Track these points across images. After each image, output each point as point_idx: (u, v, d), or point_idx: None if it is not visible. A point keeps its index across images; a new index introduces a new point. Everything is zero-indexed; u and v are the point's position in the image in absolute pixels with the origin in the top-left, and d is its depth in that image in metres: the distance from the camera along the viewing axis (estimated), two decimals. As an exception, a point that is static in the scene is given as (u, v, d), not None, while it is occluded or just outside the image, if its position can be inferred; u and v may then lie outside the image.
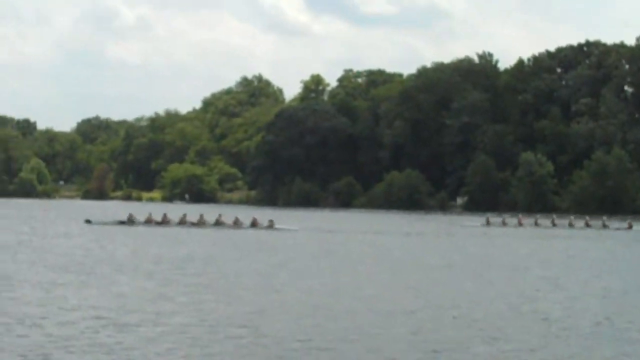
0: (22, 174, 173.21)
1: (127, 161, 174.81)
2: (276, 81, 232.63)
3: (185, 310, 19.35)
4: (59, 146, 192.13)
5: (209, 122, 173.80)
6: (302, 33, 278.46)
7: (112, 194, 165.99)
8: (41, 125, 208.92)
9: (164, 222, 60.68)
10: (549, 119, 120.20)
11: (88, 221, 60.40)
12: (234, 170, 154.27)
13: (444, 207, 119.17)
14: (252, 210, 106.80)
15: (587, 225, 70.83)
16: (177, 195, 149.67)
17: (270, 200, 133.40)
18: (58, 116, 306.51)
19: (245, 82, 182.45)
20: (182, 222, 61.09)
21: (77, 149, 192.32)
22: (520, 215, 77.25)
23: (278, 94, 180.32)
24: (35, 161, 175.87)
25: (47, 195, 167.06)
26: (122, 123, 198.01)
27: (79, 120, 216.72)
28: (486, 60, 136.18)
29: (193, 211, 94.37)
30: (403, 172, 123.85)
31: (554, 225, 71.44)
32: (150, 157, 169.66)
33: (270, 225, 60.12)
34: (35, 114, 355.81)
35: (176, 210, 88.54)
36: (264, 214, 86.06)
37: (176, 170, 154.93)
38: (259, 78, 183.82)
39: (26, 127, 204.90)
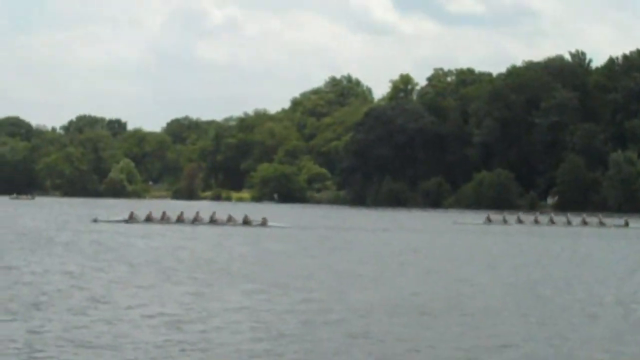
0: (112, 174, 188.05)
1: (216, 161, 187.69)
2: (365, 81, 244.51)
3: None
4: (148, 146, 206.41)
5: (297, 121, 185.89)
6: (391, 32, 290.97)
7: (202, 194, 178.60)
8: (131, 126, 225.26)
9: (163, 219, 68.40)
10: (639, 118, 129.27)
11: (95, 220, 68.14)
12: (323, 170, 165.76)
13: (533, 206, 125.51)
14: (342, 210, 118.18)
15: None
16: (266, 195, 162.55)
17: (359, 200, 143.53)
18: (148, 116, 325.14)
19: (334, 81, 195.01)
20: (180, 219, 68.14)
21: (166, 149, 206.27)
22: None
23: (367, 94, 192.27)
24: (125, 161, 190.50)
25: (137, 195, 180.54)
26: (211, 123, 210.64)
27: (169, 120, 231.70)
28: (579, 58, 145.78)
29: (282, 211, 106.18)
30: (493, 172, 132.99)
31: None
32: (240, 157, 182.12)
33: (264, 223, 66.26)
34: (126, 114, 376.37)
35: (265, 210, 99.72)
36: (354, 214, 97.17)
37: (265, 170, 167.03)
38: (348, 78, 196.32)
39: (117, 127, 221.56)
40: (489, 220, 78.91)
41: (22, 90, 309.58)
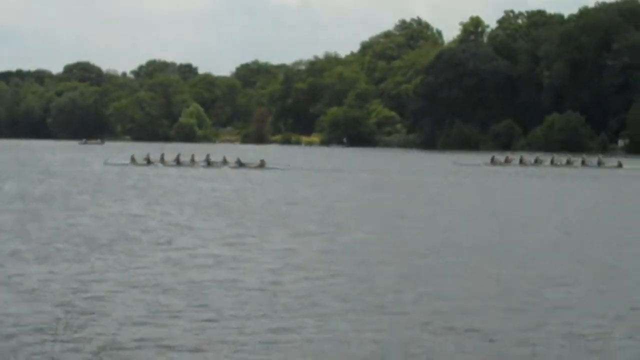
0: (182, 119, 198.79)
1: (286, 105, 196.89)
2: (435, 24, 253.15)
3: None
4: (218, 91, 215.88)
5: (367, 65, 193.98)
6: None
7: (272, 138, 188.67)
8: (201, 70, 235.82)
9: (163, 162, 78.10)
10: None
11: (107, 163, 77.86)
12: (392, 113, 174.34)
13: (604, 149, 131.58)
14: (412, 153, 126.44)
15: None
16: (335, 138, 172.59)
17: (428, 143, 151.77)
18: (218, 61, 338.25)
19: (403, 25, 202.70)
20: (177, 162, 78.06)
21: (236, 94, 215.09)
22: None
23: (437, 37, 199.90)
24: (194, 106, 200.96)
25: (206, 139, 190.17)
26: (281, 67, 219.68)
27: (238, 64, 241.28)
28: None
29: (352, 155, 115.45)
30: (563, 114, 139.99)
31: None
32: (309, 101, 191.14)
33: (262, 165, 74.06)
34: (196, 59, 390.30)
35: (334, 154, 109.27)
36: (423, 157, 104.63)
37: (335, 113, 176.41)
38: (418, 21, 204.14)
39: (187, 71, 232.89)
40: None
41: (93, 36, 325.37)
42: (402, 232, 31.36)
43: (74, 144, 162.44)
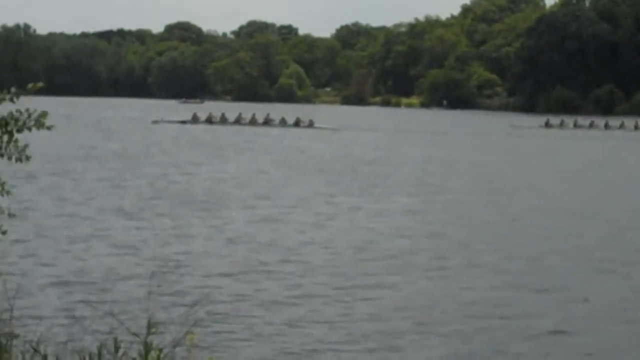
0: (282, 80, 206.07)
1: (386, 67, 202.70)
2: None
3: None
4: (318, 52, 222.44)
5: (468, 28, 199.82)
6: None
7: (372, 100, 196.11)
8: (301, 31, 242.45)
9: (222, 120, 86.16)
10: None
11: (155, 122, 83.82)
12: (493, 76, 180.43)
13: None
14: (512, 116, 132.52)
15: None
16: (435, 101, 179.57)
17: (529, 107, 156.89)
18: (318, 22, 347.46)
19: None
20: (238, 121, 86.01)
21: (336, 55, 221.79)
22: None
23: (538, 0, 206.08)
24: (294, 67, 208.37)
25: (306, 100, 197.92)
26: (381, 29, 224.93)
27: (338, 26, 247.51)
28: None
29: (452, 117, 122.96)
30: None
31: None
32: (409, 63, 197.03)
33: (311, 124, 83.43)
34: (296, 20, 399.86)
35: (434, 115, 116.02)
36: (522, 120, 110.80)
37: (435, 76, 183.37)
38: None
39: (287, 33, 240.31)
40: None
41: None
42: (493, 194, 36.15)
43: (173, 103, 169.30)
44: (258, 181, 38.34)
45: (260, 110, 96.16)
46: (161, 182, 37.28)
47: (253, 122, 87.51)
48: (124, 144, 60.07)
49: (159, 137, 68.47)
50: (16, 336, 8.42)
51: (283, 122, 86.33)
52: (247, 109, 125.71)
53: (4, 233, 10.17)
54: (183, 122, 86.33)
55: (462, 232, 25.55)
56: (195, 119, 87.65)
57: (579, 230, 26.47)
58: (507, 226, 27.06)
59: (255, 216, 27.59)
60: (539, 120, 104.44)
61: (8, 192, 10.09)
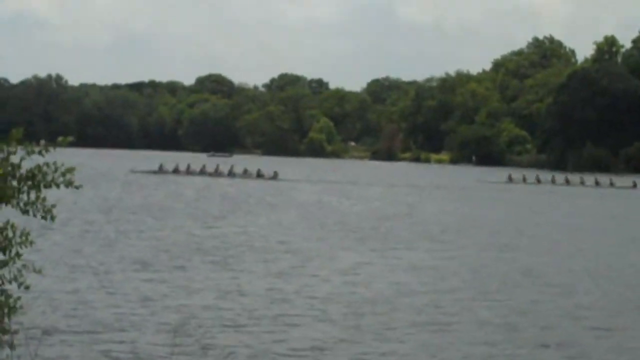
0: (312, 134, 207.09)
1: (416, 122, 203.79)
2: (568, 42, 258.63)
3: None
4: (348, 106, 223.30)
5: (499, 83, 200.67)
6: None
7: (401, 155, 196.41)
8: (332, 85, 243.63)
9: (189, 172, 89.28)
10: None
11: (133, 171, 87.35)
12: (523, 132, 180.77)
13: None
14: (540, 173, 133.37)
15: None
16: (465, 157, 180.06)
17: (559, 164, 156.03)
18: (349, 76, 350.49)
19: (536, 42, 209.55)
20: (202, 172, 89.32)
21: (366, 109, 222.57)
22: None
23: (570, 56, 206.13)
24: (324, 121, 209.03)
25: (336, 155, 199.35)
26: (412, 83, 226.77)
27: (369, 80, 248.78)
28: None
29: (481, 174, 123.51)
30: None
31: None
32: (440, 118, 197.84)
33: (274, 177, 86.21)
34: (327, 73, 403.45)
35: (462, 171, 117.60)
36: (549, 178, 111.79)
37: (466, 131, 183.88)
38: (551, 39, 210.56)
39: (318, 86, 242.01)
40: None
41: (225, 48, 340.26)
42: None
43: (202, 156, 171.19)
44: (277, 234, 38.90)
45: (289, 164, 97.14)
46: (180, 234, 37.85)
47: (218, 173, 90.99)
48: (146, 197, 60.64)
49: (179, 190, 69.30)
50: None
51: (245, 173, 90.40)
52: (277, 163, 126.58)
53: (27, 288, 10.18)
54: (155, 172, 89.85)
55: (474, 288, 26.11)
56: (162, 170, 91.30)
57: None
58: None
59: (275, 269, 28.13)
60: (573, 178, 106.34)
61: (31, 243, 10.12)
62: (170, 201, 57.71)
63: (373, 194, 74.90)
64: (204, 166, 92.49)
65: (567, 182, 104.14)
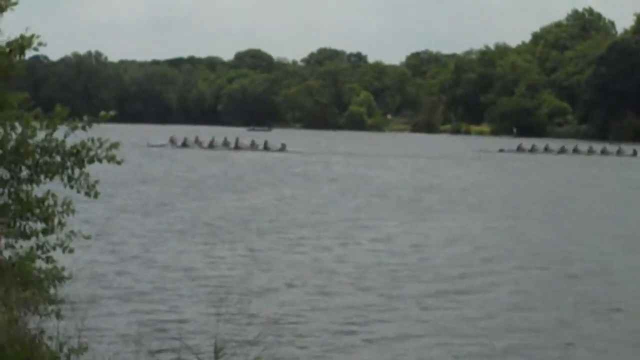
0: (352, 107, 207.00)
1: (456, 94, 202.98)
2: (607, 14, 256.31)
3: None
4: (388, 79, 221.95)
5: (539, 55, 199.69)
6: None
7: (442, 127, 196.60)
8: (371, 59, 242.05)
9: (197, 143, 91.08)
10: None
11: (150, 145, 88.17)
12: (563, 104, 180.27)
13: None
14: (581, 143, 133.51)
15: None
16: (505, 128, 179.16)
17: (600, 134, 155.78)
18: (388, 50, 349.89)
19: (575, 15, 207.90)
20: (211, 144, 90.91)
21: (406, 83, 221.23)
22: None
23: (609, 27, 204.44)
24: (364, 94, 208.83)
25: (376, 128, 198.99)
26: (452, 56, 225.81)
27: (408, 53, 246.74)
28: None
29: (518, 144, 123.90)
30: None
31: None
32: (480, 91, 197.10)
33: (282, 148, 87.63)
34: (366, 47, 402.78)
35: (503, 143, 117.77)
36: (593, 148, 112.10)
37: (506, 103, 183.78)
38: (590, 11, 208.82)
39: (357, 60, 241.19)
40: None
41: (265, 23, 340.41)
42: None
43: (242, 130, 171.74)
44: (324, 207, 39.45)
45: (328, 138, 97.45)
46: (217, 206, 38.40)
47: (226, 144, 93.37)
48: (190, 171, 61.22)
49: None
50: (85, 349, 8.65)
51: (253, 146, 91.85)
52: (317, 136, 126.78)
53: (71, 251, 10.48)
54: (161, 145, 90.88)
55: (514, 258, 26.37)
56: (173, 142, 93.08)
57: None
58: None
59: (323, 241, 28.51)
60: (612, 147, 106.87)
61: (73, 212, 10.42)
62: (195, 173, 57.92)
63: (413, 165, 74.99)
64: (213, 138, 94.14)
65: (604, 152, 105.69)
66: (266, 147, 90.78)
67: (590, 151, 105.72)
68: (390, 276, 22.63)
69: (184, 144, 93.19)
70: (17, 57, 10.34)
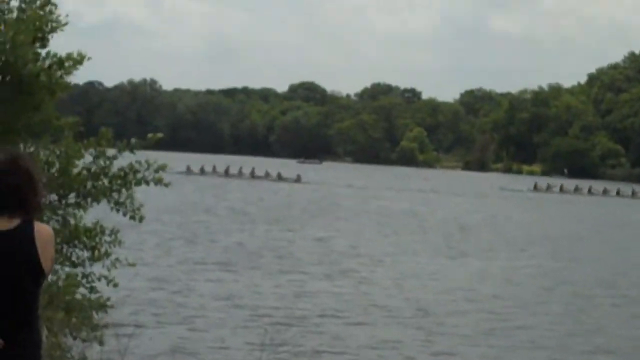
0: (404, 143, 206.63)
1: (509, 133, 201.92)
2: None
3: None
4: (441, 116, 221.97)
5: (594, 97, 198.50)
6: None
7: (493, 166, 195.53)
8: (425, 95, 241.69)
9: (214, 172, 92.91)
10: None
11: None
12: (617, 146, 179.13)
13: None
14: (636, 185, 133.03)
15: None
16: (557, 169, 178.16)
17: None
18: (442, 86, 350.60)
19: (632, 57, 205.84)
20: (226, 173, 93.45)
21: (459, 120, 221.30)
22: None
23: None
24: (417, 130, 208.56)
25: (428, 165, 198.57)
26: (506, 95, 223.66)
27: (462, 91, 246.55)
28: None
29: (572, 185, 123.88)
30: None
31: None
32: (533, 130, 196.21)
33: (298, 179, 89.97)
34: (420, 83, 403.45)
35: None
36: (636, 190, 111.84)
37: (559, 144, 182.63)
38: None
39: (411, 96, 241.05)
40: None
41: (319, 56, 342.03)
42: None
43: (292, 162, 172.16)
44: (368, 241, 39.71)
45: (380, 173, 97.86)
46: (268, 238, 38.40)
47: (240, 175, 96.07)
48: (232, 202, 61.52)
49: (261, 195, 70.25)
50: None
51: (267, 176, 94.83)
52: (368, 171, 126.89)
53: (115, 286, 10.51)
54: (179, 172, 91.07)
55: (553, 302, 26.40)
56: (189, 171, 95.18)
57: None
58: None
59: (354, 274, 28.92)
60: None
61: (120, 243, 10.44)
62: (229, 203, 58.14)
63: (459, 202, 74.85)
64: (228, 167, 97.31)
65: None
66: (280, 178, 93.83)
67: (634, 194, 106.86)
68: (438, 310, 22.85)
69: (202, 171, 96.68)
70: (59, 74, 10.31)
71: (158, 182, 10.41)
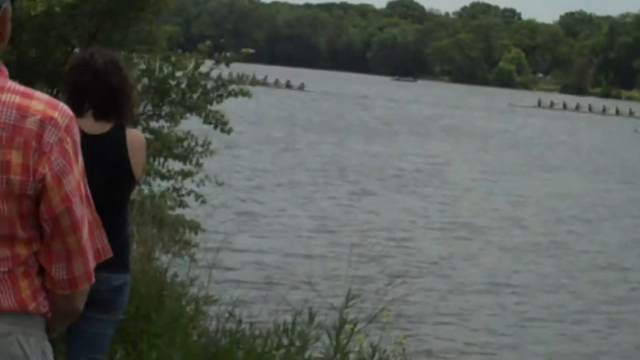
0: (502, 64, 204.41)
1: (608, 58, 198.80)
2: None
3: None
4: (540, 38, 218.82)
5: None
6: None
7: (591, 90, 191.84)
8: (525, 16, 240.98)
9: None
10: None
11: None
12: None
13: None
14: None
15: None
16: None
17: None
18: (542, 8, 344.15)
19: None
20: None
21: (558, 42, 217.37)
22: None
23: None
24: (515, 51, 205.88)
25: (524, 86, 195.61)
26: (606, 19, 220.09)
27: (563, 13, 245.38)
28: None
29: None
30: None
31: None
32: (633, 56, 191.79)
33: (301, 87, 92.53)
34: (520, 4, 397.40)
35: None
36: None
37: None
38: None
39: (510, 16, 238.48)
40: None
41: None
42: None
43: (386, 79, 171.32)
44: (457, 161, 39.47)
45: (478, 94, 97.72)
46: (361, 156, 37.87)
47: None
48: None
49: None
50: (214, 300, 8.63)
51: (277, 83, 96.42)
52: (464, 91, 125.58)
53: (204, 202, 10.49)
54: None
55: None
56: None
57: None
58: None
59: (436, 193, 28.46)
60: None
61: (212, 153, 10.38)
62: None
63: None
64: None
65: None
66: (288, 86, 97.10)
67: None
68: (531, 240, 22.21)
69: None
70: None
71: (245, 94, 10.38)
